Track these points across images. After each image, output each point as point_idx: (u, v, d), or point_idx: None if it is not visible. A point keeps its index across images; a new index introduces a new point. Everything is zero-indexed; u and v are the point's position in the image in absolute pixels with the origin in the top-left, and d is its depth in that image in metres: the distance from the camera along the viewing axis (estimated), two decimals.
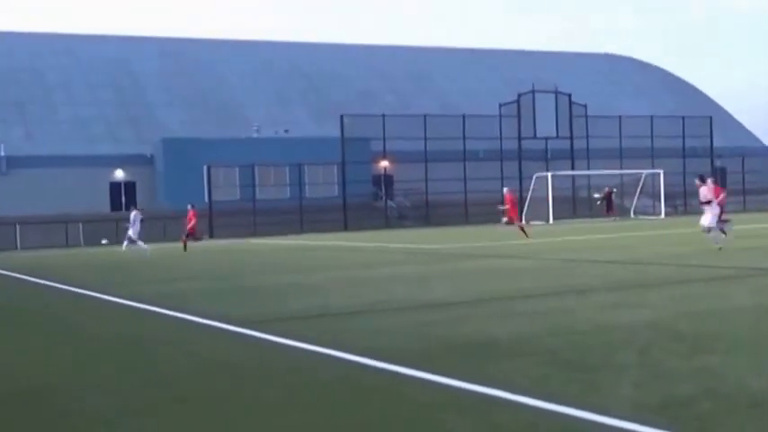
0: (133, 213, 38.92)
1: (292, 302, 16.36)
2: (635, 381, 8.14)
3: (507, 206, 40.63)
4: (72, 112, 70.87)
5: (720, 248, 25.01)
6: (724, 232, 27.31)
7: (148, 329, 14.09)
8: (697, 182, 27.31)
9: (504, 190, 43.11)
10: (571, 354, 9.82)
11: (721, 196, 29.97)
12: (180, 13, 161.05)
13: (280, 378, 9.33)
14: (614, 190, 64.76)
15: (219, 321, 13.68)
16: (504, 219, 41.22)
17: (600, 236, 37.93)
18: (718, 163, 76.47)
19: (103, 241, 40.30)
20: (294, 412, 7.70)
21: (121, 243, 40.49)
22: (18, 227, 53.19)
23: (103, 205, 64.63)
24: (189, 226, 41.12)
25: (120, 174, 66.89)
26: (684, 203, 71.87)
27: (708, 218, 26.21)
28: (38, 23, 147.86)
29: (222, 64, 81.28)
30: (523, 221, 44.85)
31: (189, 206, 41.93)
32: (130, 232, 38.43)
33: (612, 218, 60.35)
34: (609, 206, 63.12)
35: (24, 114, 69.96)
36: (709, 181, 27.65)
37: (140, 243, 37.88)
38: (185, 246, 40.53)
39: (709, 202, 26.23)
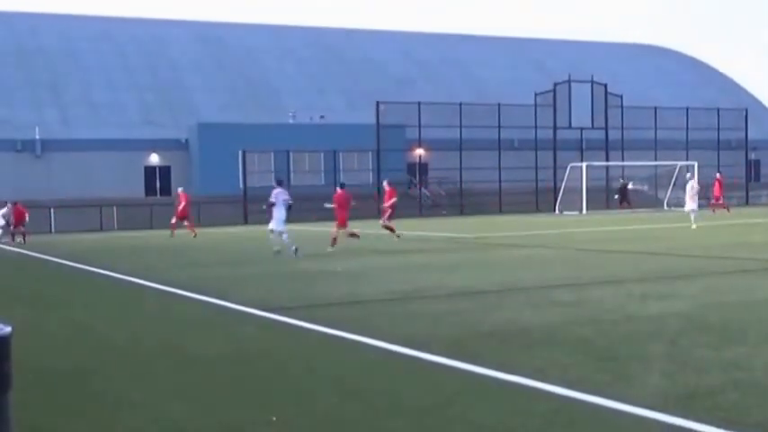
0: (5, 209, 41.50)
1: (324, 289, 16.48)
2: (663, 371, 8.22)
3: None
4: (107, 95, 70.95)
5: (279, 251, 25.29)
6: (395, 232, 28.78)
7: (180, 314, 14.29)
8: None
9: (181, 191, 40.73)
10: (601, 343, 9.90)
11: (392, 201, 33.50)
12: None
13: (309, 364, 9.46)
14: (629, 184, 64.25)
15: (253, 307, 13.84)
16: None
17: (632, 227, 37.79)
18: (752, 155, 75.79)
19: None
20: (323, 398, 7.83)
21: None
22: (53, 210, 53.33)
23: (138, 190, 64.83)
24: (15, 221, 41.93)
25: (155, 158, 66.98)
26: None
27: (275, 222, 26.10)
28: (74, 5, 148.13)
29: (259, 49, 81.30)
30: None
31: (9, 204, 42.73)
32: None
33: (628, 210, 59.52)
34: (623, 199, 62.32)
35: (59, 97, 70.00)
36: (385, 183, 33.01)
37: None
38: (21, 239, 41.37)
39: (273, 205, 26.04)
